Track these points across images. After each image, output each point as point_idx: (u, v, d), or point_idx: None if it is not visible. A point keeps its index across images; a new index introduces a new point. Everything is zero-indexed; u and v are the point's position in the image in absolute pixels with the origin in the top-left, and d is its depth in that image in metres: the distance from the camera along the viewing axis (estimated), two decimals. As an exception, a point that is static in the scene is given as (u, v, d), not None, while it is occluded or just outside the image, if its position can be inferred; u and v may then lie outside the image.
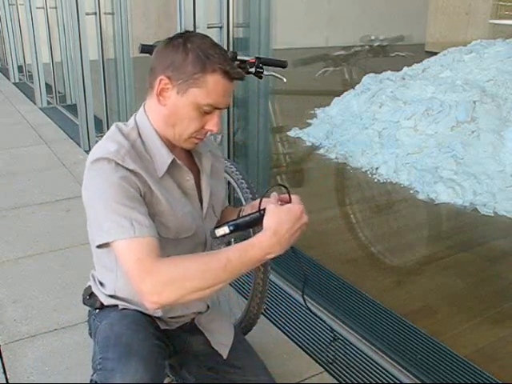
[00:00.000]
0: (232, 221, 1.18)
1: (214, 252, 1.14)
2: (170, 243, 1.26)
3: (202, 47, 1.20)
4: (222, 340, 1.46)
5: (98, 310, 1.37)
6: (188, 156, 1.36)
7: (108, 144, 1.21)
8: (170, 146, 1.28)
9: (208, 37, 1.26)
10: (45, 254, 2.58)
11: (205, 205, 1.36)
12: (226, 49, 2.52)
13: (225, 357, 1.44)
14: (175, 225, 1.27)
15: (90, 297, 1.40)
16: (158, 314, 1.33)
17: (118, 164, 1.16)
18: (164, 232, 1.24)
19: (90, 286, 1.42)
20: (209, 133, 1.28)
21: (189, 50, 1.19)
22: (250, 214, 1.19)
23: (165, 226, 1.25)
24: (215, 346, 1.44)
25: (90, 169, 1.19)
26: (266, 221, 1.11)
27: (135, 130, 1.26)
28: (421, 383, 1.76)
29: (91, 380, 1.23)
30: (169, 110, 1.23)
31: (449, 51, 5.28)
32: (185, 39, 1.21)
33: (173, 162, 1.26)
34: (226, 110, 2.65)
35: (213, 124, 1.24)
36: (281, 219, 1.11)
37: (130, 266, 1.10)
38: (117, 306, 1.32)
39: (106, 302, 1.35)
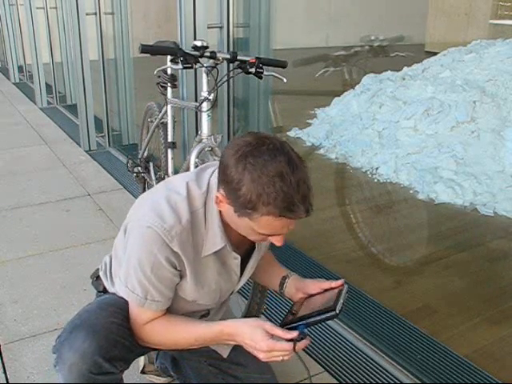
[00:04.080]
0: (302, 319, 1.19)
1: (191, 326, 1.26)
2: (185, 302, 1.32)
3: (258, 180, 1.05)
4: None
5: (101, 293, 1.44)
6: None
7: (167, 212, 1.18)
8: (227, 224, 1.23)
9: (279, 152, 1.08)
10: (45, 253, 2.58)
11: (242, 281, 1.38)
12: (226, 49, 2.52)
13: (225, 356, 1.44)
14: (195, 298, 1.30)
15: (96, 279, 1.47)
16: None
17: (164, 242, 1.17)
18: (182, 296, 1.29)
19: (97, 270, 1.47)
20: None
21: (244, 179, 1.06)
22: (323, 312, 1.18)
23: (183, 296, 1.29)
24: (213, 347, 1.44)
25: (139, 228, 1.19)
26: (241, 334, 1.18)
27: (204, 196, 1.22)
28: (421, 383, 1.76)
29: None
30: (228, 216, 1.18)
31: (449, 51, 5.28)
32: (245, 159, 1.07)
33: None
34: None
35: (276, 240, 1.17)
36: (246, 339, 1.17)
37: (136, 323, 1.26)
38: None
39: (111, 290, 1.40)
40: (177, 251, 1.18)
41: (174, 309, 1.30)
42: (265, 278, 1.51)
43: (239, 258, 1.30)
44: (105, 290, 1.43)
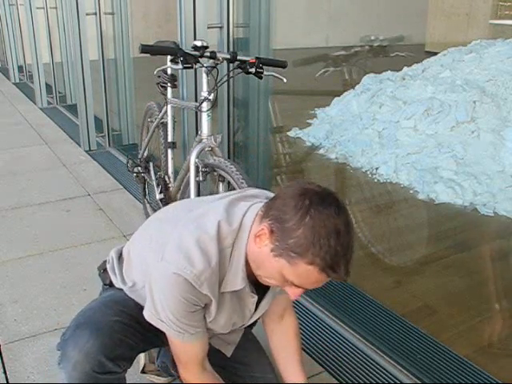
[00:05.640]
0: None
1: None
2: None
3: (318, 229, 1.05)
4: (227, 339, 1.46)
5: (107, 286, 1.44)
6: None
7: (196, 255, 1.14)
8: None
9: (342, 211, 1.09)
10: (45, 253, 2.58)
11: (254, 317, 1.37)
12: (226, 49, 2.53)
13: (228, 355, 1.44)
14: (211, 327, 1.29)
15: (103, 271, 1.46)
16: None
17: (194, 288, 1.14)
18: None
19: (105, 262, 1.47)
20: None
21: (304, 224, 1.05)
22: None
23: None
24: (217, 346, 1.44)
25: (166, 272, 1.15)
26: None
27: (235, 234, 1.19)
28: (421, 383, 1.76)
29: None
30: (259, 255, 1.15)
31: (449, 51, 5.28)
32: (310, 206, 1.07)
33: None
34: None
35: (292, 293, 1.15)
36: None
37: (180, 358, 1.27)
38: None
39: (117, 284, 1.40)
40: (206, 294, 1.17)
41: None
42: (278, 364, 1.48)
43: (256, 297, 1.28)
44: (111, 284, 1.42)
